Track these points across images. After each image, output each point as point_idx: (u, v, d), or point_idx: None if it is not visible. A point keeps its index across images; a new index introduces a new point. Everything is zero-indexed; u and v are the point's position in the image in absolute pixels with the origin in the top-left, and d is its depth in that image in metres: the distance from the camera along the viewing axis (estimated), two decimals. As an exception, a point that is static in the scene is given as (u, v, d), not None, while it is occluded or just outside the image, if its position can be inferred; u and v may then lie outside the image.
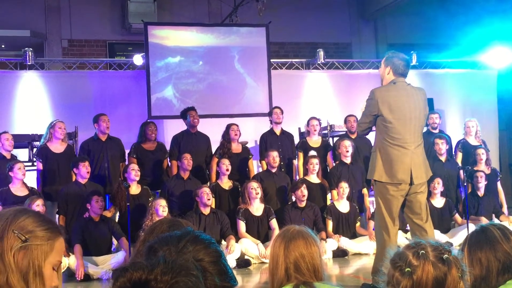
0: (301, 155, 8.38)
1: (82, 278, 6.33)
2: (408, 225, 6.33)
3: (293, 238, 2.42)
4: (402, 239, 7.00)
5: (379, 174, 5.03)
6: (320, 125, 8.51)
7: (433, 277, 1.67)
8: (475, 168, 8.20)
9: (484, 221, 7.34)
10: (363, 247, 7.40)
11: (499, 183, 8.51)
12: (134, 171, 7.25)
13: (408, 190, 5.07)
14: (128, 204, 6.62)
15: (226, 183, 7.75)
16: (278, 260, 2.40)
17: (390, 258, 1.77)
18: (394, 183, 5.00)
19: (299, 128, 9.27)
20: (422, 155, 5.16)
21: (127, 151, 8.00)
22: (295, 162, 8.45)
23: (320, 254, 2.44)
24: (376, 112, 5.03)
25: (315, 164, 7.91)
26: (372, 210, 7.92)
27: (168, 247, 1.44)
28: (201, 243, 1.48)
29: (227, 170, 7.66)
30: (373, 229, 6.50)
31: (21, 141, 8.02)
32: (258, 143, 8.80)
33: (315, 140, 8.46)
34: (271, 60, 9.84)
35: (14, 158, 7.44)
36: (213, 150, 8.19)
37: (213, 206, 7.40)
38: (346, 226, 7.72)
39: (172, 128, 8.77)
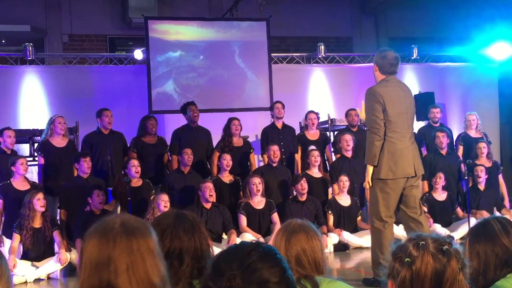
0: (299, 149, 8.39)
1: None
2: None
3: (294, 232, 2.42)
4: (403, 233, 7.00)
5: (385, 173, 5.03)
6: (318, 118, 8.50)
7: (432, 268, 1.67)
8: (476, 162, 8.19)
9: (485, 214, 7.34)
10: (364, 241, 7.39)
11: (500, 176, 8.51)
12: (134, 167, 7.23)
13: (405, 183, 5.11)
14: (129, 198, 6.62)
15: (227, 177, 7.75)
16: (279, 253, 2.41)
17: (392, 251, 1.77)
18: (399, 178, 5.03)
19: (300, 122, 9.27)
20: (417, 149, 5.28)
21: (129, 146, 8.01)
22: (296, 156, 8.46)
23: (321, 248, 2.44)
24: (382, 106, 5.00)
25: (316, 156, 7.91)
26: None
27: (234, 268, 1.44)
28: (269, 261, 1.47)
29: (228, 166, 7.66)
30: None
31: (22, 136, 8.03)
32: (259, 137, 8.80)
33: (313, 134, 8.46)
34: (272, 55, 9.82)
35: (14, 153, 7.45)
36: (214, 145, 8.19)
37: (214, 200, 7.40)
38: (347, 220, 7.73)
39: (173, 123, 8.76)
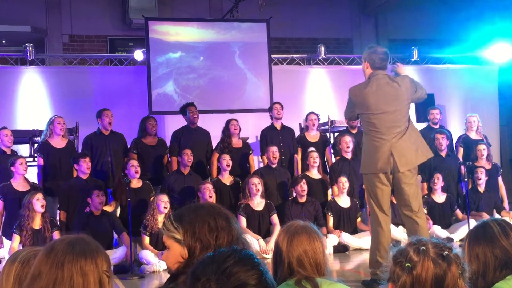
0: (299, 150, 8.39)
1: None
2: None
3: (296, 233, 2.42)
4: (403, 235, 7.01)
5: (362, 167, 5.24)
6: (318, 120, 8.50)
7: (433, 273, 1.67)
8: (476, 164, 8.19)
9: (485, 216, 7.34)
10: (364, 243, 7.39)
11: (500, 178, 8.51)
12: (134, 168, 7.23)
13: (392, 179, 5.10)
14: (129, 199, 6.62)
15: (227, 179, 7.75)
16: (281, 254, 2.41)
17: (393, 255, 1.77)
18: (375, 173, 5.10)
19: (300, 124, 9.27)
20: (409, 142, 5.08)
21: (130, 146, 8.00)
22: (297, 157, 8.45)
23: (323, 250, 2.45)
24: (353, 108, 5.30)
25: (315, 157, 7.92)
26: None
27: (210, 274, 1.44)
28: (246, 265, 1.46)
29: (228, 165, 7.66)
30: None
31: (22, 136, 8.02)
32: (258, 138, 8.80)
33: (313, 135, 8.46)
34: (272, 56, 9.83)
35: (14, 154, 7.45)
36: (214, 146, 8.18)
37: (214, 201, 7.40)
38: (347, 222, 7.73)
39: (173, 124, 8.75)
